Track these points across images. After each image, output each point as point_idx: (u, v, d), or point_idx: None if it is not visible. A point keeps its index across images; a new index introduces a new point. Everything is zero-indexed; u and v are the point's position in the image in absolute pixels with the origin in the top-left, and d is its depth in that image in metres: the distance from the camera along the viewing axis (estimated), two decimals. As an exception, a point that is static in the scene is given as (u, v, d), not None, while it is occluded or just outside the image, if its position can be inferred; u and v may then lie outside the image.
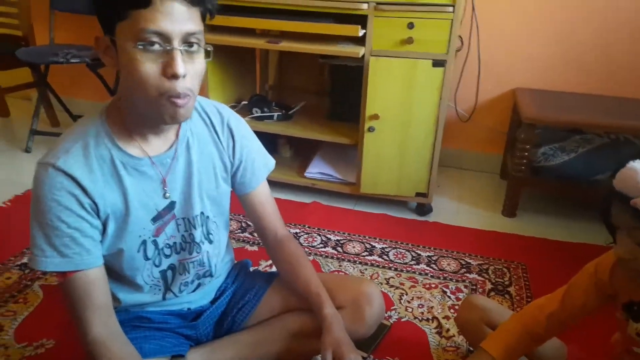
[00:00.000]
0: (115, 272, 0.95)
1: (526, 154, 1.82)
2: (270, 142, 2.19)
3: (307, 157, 2.13)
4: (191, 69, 0.80)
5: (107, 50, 0.82)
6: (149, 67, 0.77)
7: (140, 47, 0.76)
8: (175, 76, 0.78)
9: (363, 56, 1.71)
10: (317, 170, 2.02)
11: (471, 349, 1.23)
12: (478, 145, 2.32)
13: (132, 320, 1.01)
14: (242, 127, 1.05)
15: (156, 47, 0.77)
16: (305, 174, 2.01)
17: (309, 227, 1.79)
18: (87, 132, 0.87)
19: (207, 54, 0.84)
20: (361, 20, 1.67)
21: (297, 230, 1.76)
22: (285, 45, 1.76)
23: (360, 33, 1.66)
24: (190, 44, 0.80)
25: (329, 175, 1.99)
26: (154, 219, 0.94)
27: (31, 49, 2.33)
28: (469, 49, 2.11)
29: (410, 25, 1.64)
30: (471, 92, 2.18)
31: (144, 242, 0.94)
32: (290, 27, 1.75)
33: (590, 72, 2.05)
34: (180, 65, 0.78)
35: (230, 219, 1.79)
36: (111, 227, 0.89)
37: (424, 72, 1.68)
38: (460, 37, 2.09)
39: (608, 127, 1.77)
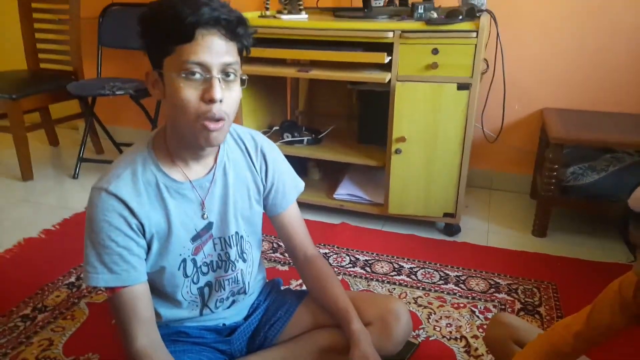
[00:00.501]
0: (157, 289, 1.03)
1: (555, 173, 1.82)
2: (300, 165, 2.27)
3: (336, 180, 2.19)
4: (227, 96, 0.89)
5: (155, 84, 0.92)
6: (190, 93, 0.86)
7: (183, 76, 0.86)
8: (212, 100, 0.87)
9: (389, 81, 1.77)
10: (345, 191, 2.07)
11: (500, 368, 1.23)
12: (507, 165, 2.32)
13: (171, 335, 1.08)
14: (274, 152, 1.13)
15: (197, 76, 0.86)
16: (334, 196, 2.07)
17: (337, 248, 1.83)
18: (135, 159, 0.96)
19: (242, 82, 0.93)
20: (387, 47, 1.74)
21: (327, 251, 1.81)
22: (315, 74, 1.85)
23: (386, 60, 1.72)
24: (227, 74, 0.89)
25: (357, 196, 2.04)
26: (193, 239, 1.01)
27: (80, 83, 2.52)
28: (495, 71, 2.14)
29: (435, 51, 1.70)
30: (498, 113, 2.20)
31: (184, 261, 1.01)
32: (320, 57, 1.84)
33: (617, 90, 2.04)
34: (218, 91, 0.87)
35: (262, 240, 1.85)
36: (155, 246, 0.97)
37: (449, 95, 1.73)
38: (485, 59, 2.13)
39: (637, 145, 1.75)
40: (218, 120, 0.88)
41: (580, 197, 1.83)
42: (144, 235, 0.95)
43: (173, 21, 0.83)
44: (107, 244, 0.92)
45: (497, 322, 1.16)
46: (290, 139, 2.11)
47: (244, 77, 0.93)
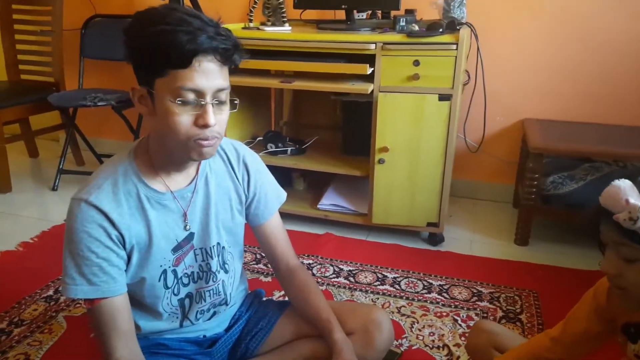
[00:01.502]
0: (137, 300, 1.01)
1: (535, 182, 1.85)
2: (284, 175, 2.27)
3: (321, 190, 2.20)
4: (219, 119, 0.90)
5: (142, 100, 0.90)
6: (184, 119, 0.87)
7: (178, 102, 0.86)
8: (206, 126, 0.88)
9: (372, 92, 1.79)
10: (329, 202, 2.07)
11: (482, 376, 1.23)
12: (490, 175, 2.35)
13: (150, 347, 1.06)
14: (256, 163, 1.13)
15: (191, 101, 0.86)
16: (319, 206, 2.07)
17: (321, 258, 1.83)
18: (116, 169, 0.95)
19: (233, 105, 0.94)
20: (370, 59, 1.76)
21: (310, 261, 1.80)
22: (298, 84, 1.86)
23: (369, 71, 1.75)
24: (220, 97, 0.89)
25: (341, 206, 2.05)
26: (174, 249, 1.00)
27: (62, 94, 2.49)
28: (476, 83, 2.18)
29: (416, 63, 1.73)
30: (480, 124, 2.24)
31: (164, 272, 1.00)
32: (303, 68, 1.85)
33: (596, 101, 2.09)
34: (212, 117, 0.88)
35: (245, 251, 1.85)
36: (135, 257, 0.96)
37: (431, 106, 1.75)
38: (467, 71, 2.16)
39: (615, 155, 1.79)
40: (211, 139, 0.90)
41: (560, 206, 1.86)
42: (124, 246, 0.94)
43: (170, 47, 0.82)
44: (87, 255, 0.90)
45: (479, 329, 1.17)
46: (274, 149, 2.11)
47: (235, 102, 0.94)
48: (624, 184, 0.72)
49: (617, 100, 2.06)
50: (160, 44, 0.82)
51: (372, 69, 1.76)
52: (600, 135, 1.92)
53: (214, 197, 1.04)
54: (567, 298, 1.54)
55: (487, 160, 2.31)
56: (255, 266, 1.78)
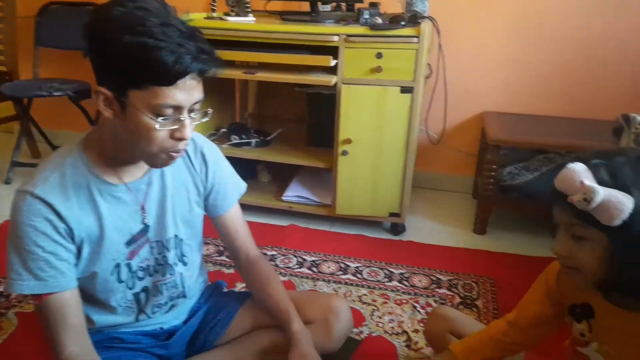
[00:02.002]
0: (89, 295, 0.99)
1: (493, 173, 1.90)
2: (249, 167, 2.25)
3: (285, 182, 2.20)
4: (192, 127, 0.90)
5: (108, 103, 0.85)
6: (161, 133, 0.85)
7: (160, 120, 0.84)
8: (182, 139, 0.87)
9: (335, 84, 1.80)
10: (294, 193, 2.08)
11: (438, 360, 1.27)
12: (451, 167, 2.41)
13: (104, 341, 1.04)
14: (215, 154, 1.12)
15: (169, 117, 0.85)
16: (283, 198, 2.07)
17: (285, 249, 1.83)
18: (64, 161, 0.92)
19: (206, 115, 0.93)
20: (333, 51, 1.77)
21: (274, 253, 1.81)
22: (261, 76, 1.85)
23: (332, 63, 1.75)
24: (195, 108, 0.88)
25: (305, 198, 2.06)
26: (128, 243, 0.98)
27: (16, 84, 2.39)
28: (438, 76, 2.22)
29: (379, 55, 1.75)
30: (442, 117, 2.29)
31: (117, 265, 0.98)
32: (267, 59, 1.85)
33: (552, 95, 2.16)
34: (189, 131, 0.88)
35: (207, 243, 1.84)
36: (86, 251, 0.93)
37: (393, 98, 1.78)
38: (429, 65, 2.20)
39: (568, 147, 1.87)
40: (182, 151, 0.90)
41: (516, 196, 1.93)
42: (72, 239, 0.91)
43: (155, 66, 0.79)
44: (32, 249, 0.88)
45: (436, 315, 1.20)
46: (238, 141, 2.09)
47: (209, 112, 0.94)
48: (578, 167, 0.75)
49: (571, 94, 2.14)
50: (142, 60, 0.79)
51: (336, 61, 1.77)
52: (554, 128, 2.00)
53: (170, 189, 1.02)
54: (522, 284, 1.59)
55: (449, 152, 2.37)
56: (218, 258, 1.77)
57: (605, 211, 0.70)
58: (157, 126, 0.84)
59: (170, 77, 0.81)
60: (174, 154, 0.89)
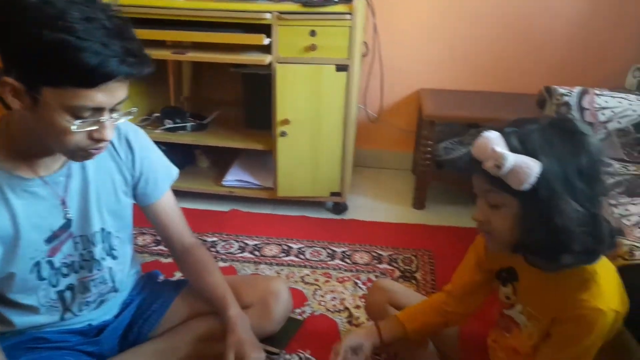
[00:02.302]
0: (6, 296, 0.92)
1: (429, 149, 1.95)
2: (186, 153, 2.18)
3: (226, 167, 2.14)
4: (114, 127, 0.83)
5: (16, 94, 0.76)
6: (77, 135, 0.78)
7: (77, 122, 0.76)
8: (102, 141, 0.80)
9: (270, 64, 1.76)
10: (234, 177, 2.03)
11: (378, 333, 1.30)
12: (391, 144, 2.44)
13: (26, 342, 0.98)
14: (141, 139, 1.05)
15: (88, 118, 0.77)
16: (223, 182, 2.02)
17: (226, 235, 1.79)
18: None
19: (130, 114, 0.86)
20: (266, 29, 1.72)
21: (215, 239, 1.77)
22: (192, 56, 1.77)
23: (266, 41, 1.71)
24: (118, 108, 0.81)
25: (246, 182, 2.02)
26: (48, 240, 0.91)
27: None
28: (374, 54, 2.23)
29: (313, 33, 1.72)
30: (379, 95, 2.30)
31: (37, 264, 0.91)
32: (197, 38, 1.77)
33: (484, 71, 2.22)
34: (110, 132, 0.81)
35: (144, 233, 1.77)
36: None
37: (329, 76, 1.76)
38: (365, 43, 2.20)
39: (499, 120, 1.93)
40: (102, 148, 0.84)
41: (451, 170, 1.99)
42: None
43: (76, 68, 0.71)
44: None
45: (376, 287, 1.23)
46: (172, 125, 2.01)
47: (133, 111, 0.87)
48: (492, 135, 0.77)
49: (501, 70, 2.21)
50: (61, 60, 0.71)
51: (269, 39, 1.73)
52: (487, 103, 2.07)
53: (93, 179, 0.96)
54: (458, 255, 1.63)
55: (388, 129, 2.39)
56: (155, 248, 1.71)
57: (515, 176, 0.73)
58: (73, 128, 0.76)
59: (92, 81, 0.74)
60: (93, 152, 0.83)
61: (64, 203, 0.92)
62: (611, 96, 1.51)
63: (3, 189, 0.84)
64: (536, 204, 0.75)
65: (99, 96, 0.76)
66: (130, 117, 0.87)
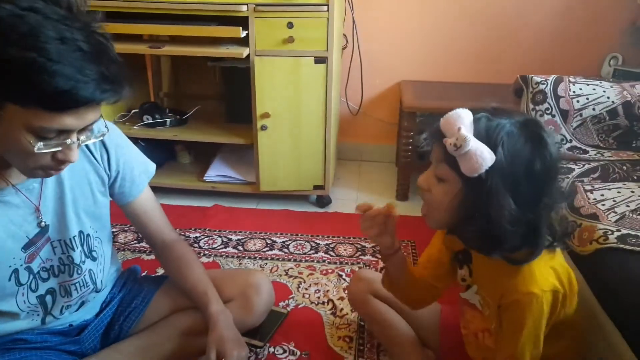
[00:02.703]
0: None
1: (410, 140, 1.96)
2: (167, 149, 2.16)
3: (207, 162, 2.12)
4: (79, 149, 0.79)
5: None
6: (40, 156, 0.74)
7: (40, 146, 0.72)
8: (66, 162, 0.77)
9: (248, 57, 1.74)
10: (216, 173, 2.02)
11: (362, 323, 1.31)
12: (374, 137, 2.45)
13: (5, 344, 0.96)
14: (115, 137, 1.03)
15: (53, 139, 0.73)
16: (205, 178, 2.01)
17: (209, 230, 1.78)
18: None
19: (100, 135, 0.82)
20: (243, 21, 1.70)
21: (198, 234, 1.75)
22: (169, 50, 1.75)
23: (242, 34, 1.69)
24: (88, 129, 0.77)
25: (228, 176, 2.00)
26: (25, 247, 0.90)
27: None
28: (354, 47, 2.22)
29: (290, 25, 1.71)
30: (359, 88, 2.30)
31: (15, 271, 0.89)
32: (173, 32, 1.75)
33: (464, 62, 2.24)
34: (75, 155, 0.77)
35: (125, 230, 1.74)
36: None
37: (307, 69, 1.75)
38: (345, 35, 2.20)
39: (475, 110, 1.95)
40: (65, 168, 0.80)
41: (433, 161, 2.00)
42: None
43: (44, 91, 0.66)
44: None
45: (357, 278, 1.23)
46: (150, 121, 1.98)
47: (105, 132, 0.82)
48: (464, 113, 0.77)
49: (482, 60, 2.22)
50: (29, 81, 0.66)
51: (246, 32, 1.71)
52: (467, 93, 2.08)
53: (68, 183, 0.94)
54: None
55: (370, 122, 2.40)
56: (137, 245, 1.69)
57: (468, 161, 0.73)
58: (35, 149, 0.72)
59: (61, 106, 0.70)
60: (52, 172, 0.80)
61: (38, 210, 0.90)
62: (585, 84, 1.53)
63: None
64: (477, 191, 0.75)
65: (67, 120, 0.71)
66: (101, 138, 0.83)
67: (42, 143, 0.72)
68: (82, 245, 0.98)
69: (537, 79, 1.52)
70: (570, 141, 1.50)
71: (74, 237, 0.96)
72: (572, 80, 1.53)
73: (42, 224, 0.90)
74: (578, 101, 1.49)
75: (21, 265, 0.90)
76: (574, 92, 1.51)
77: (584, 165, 1.41)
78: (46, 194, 0.91)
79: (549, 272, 0.82)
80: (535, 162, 0.75)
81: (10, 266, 0.88)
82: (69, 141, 0.75)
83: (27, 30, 0.66)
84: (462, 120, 0.76)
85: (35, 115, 0.69)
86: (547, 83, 1.50)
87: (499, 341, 0.89)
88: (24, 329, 0.96)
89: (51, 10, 0.68)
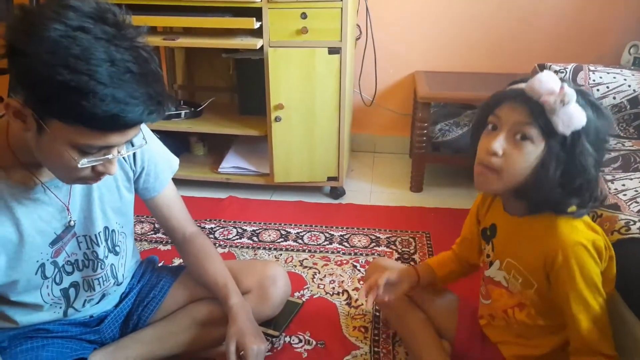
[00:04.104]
0: (9, 298, 0.91)
1: (425, 131, 1.94)
2: (182, 141, 2.17)
3: (221, 154, 2.13)
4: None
5: (19, 116, 0.72)
6: (82, 170, 0.75)
7: (83, 163, 0.73)
8: (106, 174, 0.78)
9: (262, 48, 1.74)
10: (230, 164, 2.02)
11: (377, 313, 1.31)
12: (388, 128, 2.43)
13: (28, 332, 0.98)
14: (142, 132, 1.04)
15: (96, 155, 0.74)
16: (219, 169, 2.02)
17: (224, 221, 1.79)
18: None
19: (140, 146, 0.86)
20: (256, 12, 1.70)
21: (213, 225, 1.76)
22: (183, 42, 1.75)
23: (256, 25, 1.69)
24: (127, 143, 0.79)
25: (242, 168, 2.01)
26: (53, 243, 0.91)
27: None
28: (367, 37, 2.21)
29: (304, 15, 1.70)
30: (373, 79, 2.29)
31: (42, 265, 0.91)
32: (187, 23, 1.76)
33: (479, 52, 2.21)
34: (115, 168, 0.78)
35: (142, 222, 1.76)
36: (2, 261, 0.85)
37: (321, 60, 1.74)
38: (358, 25, 2.18)
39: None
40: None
41: (448, 152, 1.98)
42: None
43: (92, 112, 0.67)
44: None
45: (374, 266, 1.24)
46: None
47: (143, 145, 0.86)
48: (553, 75, 0.79)
49: (497, 49, 2.19)
50: (77, 103, 0.66)
51: (260, 23, 1.71)
52: (482, 83, 2.05)
53: None
54: (455, 235, 1.66)
55: (384, 113, 2.38)
56: (153, 236, 1.71)
57: (569, 117, 0.77)
58: (78, 165, 0.73)
59: (109, 128, 0.70)
60: (91, 182, 0.82)
61: (67, 208, 0.91)
62: (606, 72, 1.50)
63: (5, 198, 0.82)
64: (562, 148, 0.79)
65: (112, 138, 0.72)
66: (138, 149, 0.86)
67: (85, 159, 0.73)
68: (106, 240, 0.99)
69: (555, 67, 1.50)
70: (590, 131, 1.47)
71: (99, 233, 0.97)
72: (591, 68, 1.50)
73: (71, 222, 0.92)
74: (598, 90, 1.46)
75: (47, 259, 0.91)
76: (593, 80, 1.48)
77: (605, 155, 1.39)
78: (74, 191, 0.92)
79: (585, 227, 0.85)
80: (599, 124, 0.80)
81: (37, 261, 0.90)
82: (110, 156, 0.76)
83: (79, 53, 0.65)
84: (556, 80, 0.78)
85: (80, 133, 0.70)
86: (566, 71, 1.48)
87: (567, 314, 0.86)
88: (46, 321, 0.98)
89: (100, 30, 0.68)
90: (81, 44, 0.66)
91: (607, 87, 1.47)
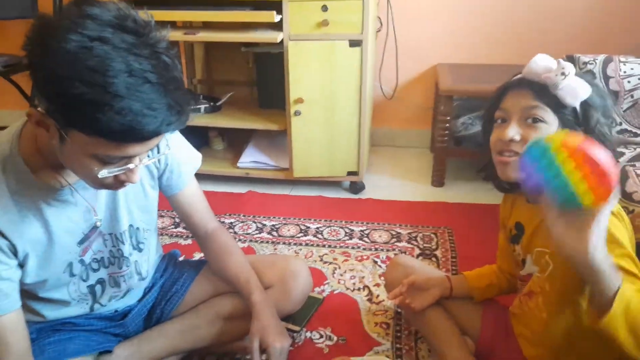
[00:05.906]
0: (38, 295, 0.93)
1: (447, 125, 1.90)
2: (201, 135, 2.18)
3: (241, 148, 2.13)
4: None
5: (42, 124, 0.72)
6: (103, 178, 0.75)
7: (104, 173, 0.73)
8: (126, 182, 0.78)
9: (282, 41, 1.73)
10: (249, 159, 2.02)
11: (399, 310, 1.29)
12: (409, 122, 2.40)
13: (54, 326, 0.99)
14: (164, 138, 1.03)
15: (117, 164, 0.74)
16: (238, 164, 2.02)
17: (244, 216, 1.79)
18: None
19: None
20: (276, 5, 1.68)
21: (232, 220, 1.77)
22: (203, 36, 1.75)
23: (276, 18, 1.67)
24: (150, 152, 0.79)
25: (262, 163, 2.01)
26: (81, 242, 0.92)
27: None
28: (388, 29, 2.17)
29: (324, 8, 1.68)
30: (394, 71, 2.25)
31: (70, 264, 0.92)
32: (207, 17, 1.76)
33: (502, 44, 2.16)
34: (137, 176, 0.78)
35: (162, 216, 1.78)
36: (33, 262, 0.86)
37: (342, 53, 1.72)
38: (379, 18, 2.15)
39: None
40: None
41: (470, 146, 1.94)
42: (15, 255, 0.83)
43: (111, 125, 0.65)
44: None
45: (395, 263, 1.22)
46: (185, 108, 2.00)
47: (167, 153, 0.88)
48: (545, 55, 0.81)
49: (521, 40, 2.14)
50: (96, 116, 0.65)
51: (280, 16, 1.69)
52: (505, 75, 1.98)
53: None
54: (479, 232, 1.64)
55: (405, 107, 2.35)
56: (174, 230, 1.72)
57: (573, 88, 0.78)
58: (99, 175, 0.73)
59: (128, 139, 0.69)
60: (113, 189, 0.82)
61: (93, 210, 0.91)
62: (637, 63, 1.44)
63: (34, 198, 0.83)
64: (576, 122, 0.79)
65: (132, 149, 0.72)
66: (160, 157, 0.87)
67: (106, 170, 0.73)
68: (130, 238, 1.00)
69: (584, 58, 1.45)
70: (620, 124, 1.42)
71: (124, 231, 0.98)
72: (622, 59, 1.45)
73: (98, 222, 0.92)
74: (629, 82, 1.41)
75: (75, 258, 0.92)
76: (624, 72, 1.43)
77: (635, 149, 1.34)
78: (100, 191, 0.92)
79: None
80: (603, 103, 0.82)
81: (66, 260, 0.91)
82: (131, 165, 0.76)
83: (95, 65, 0.64)
84: (551, 59, 0.80)
85: (100, 144, 0.69)
86: (596, 63, 1.43)
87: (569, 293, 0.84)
88: (73, 315, 0.99)
89: (120, 39, 0.66)
90: (98, 55, 0.64)
91: (639, 79, 1.41)
